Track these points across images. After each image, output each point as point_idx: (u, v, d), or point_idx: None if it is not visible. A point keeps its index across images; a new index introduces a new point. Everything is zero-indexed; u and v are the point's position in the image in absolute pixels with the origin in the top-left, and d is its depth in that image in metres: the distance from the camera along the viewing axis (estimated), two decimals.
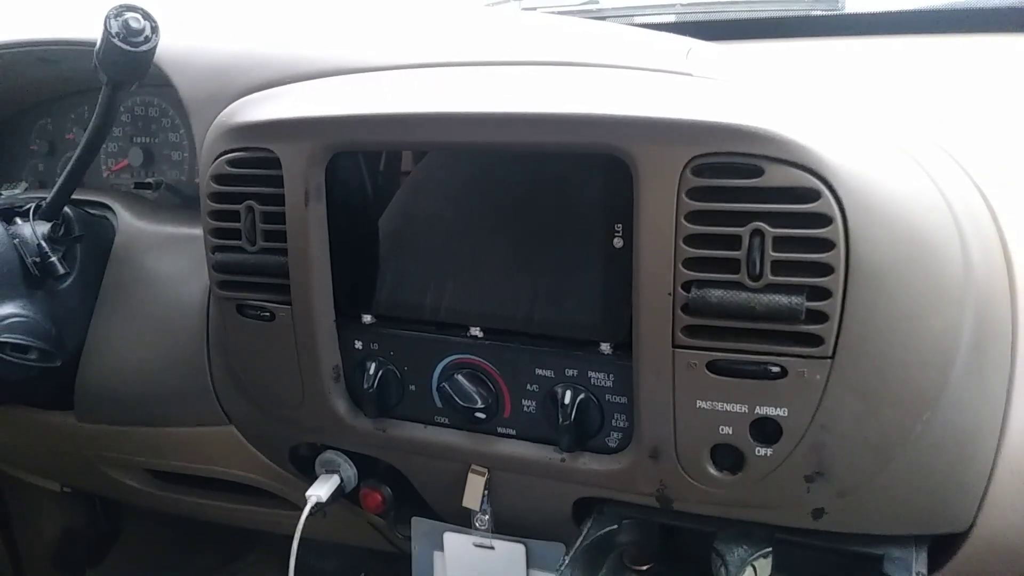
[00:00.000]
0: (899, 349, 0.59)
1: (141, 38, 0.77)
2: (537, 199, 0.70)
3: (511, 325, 0.73)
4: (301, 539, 0.83)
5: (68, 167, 0.88)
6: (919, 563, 0.66)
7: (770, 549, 0.69)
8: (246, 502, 1.06)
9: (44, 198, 0.92)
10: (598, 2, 1.21)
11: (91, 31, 0.90)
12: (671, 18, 1.17)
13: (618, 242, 0.66)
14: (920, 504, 0.65)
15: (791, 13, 1.08)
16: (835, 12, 1.04)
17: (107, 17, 0.77)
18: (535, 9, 1.25)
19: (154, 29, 0.78)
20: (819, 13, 1.06)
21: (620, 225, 0.66)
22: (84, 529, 1.47)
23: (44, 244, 0.90)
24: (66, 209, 0.93)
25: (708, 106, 0.61)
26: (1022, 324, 0.64)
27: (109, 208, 0.99)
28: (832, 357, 0.59)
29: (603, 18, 1.14)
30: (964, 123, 0.70)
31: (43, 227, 0.91)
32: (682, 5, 1.18)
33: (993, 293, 0.63)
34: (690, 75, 0.67)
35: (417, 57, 0.77)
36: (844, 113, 0.63)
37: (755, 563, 0.68)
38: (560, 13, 1.19)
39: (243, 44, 0.86)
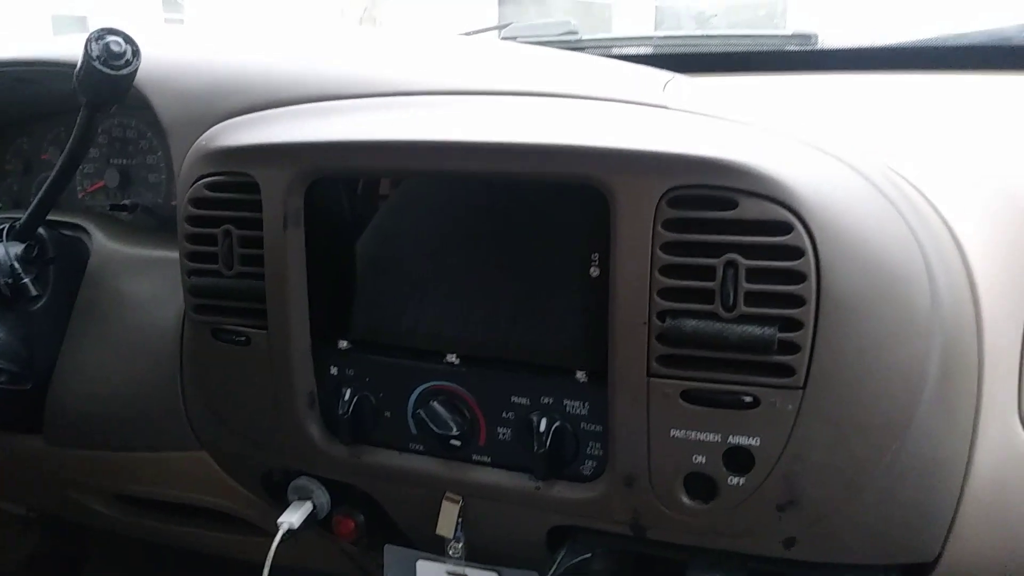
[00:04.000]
0: (868, 380, 0.61)
1: (122, 61, 0.77)
2: (514, 227, 0.71)
3: (487, 352, 0.73)
4: (273, 567, 0.82)
5: (43, 188, 0.88)
6: None
7: None
8: (217, 528, 1.05)
9: (18, 219, 0.91)
10: (576, 33, 1.23)
11: (69, 52, 0.90)
12: (648, 50, 1.19)
13: (594, 271, 0.67)
14: (889, 533, 0.65)
15: (766, 48, 1.10)
16: (809, 48, 1.07)
17: (88, 40, 0.77)
18: (514, 39, 1.26)
19: (135, 53, 0.78)
20: (793, 48, 1.08)
21: (597, 254, 0.67)
22: (50, 554, 1.44)
23: (17, 265, 0.89)
24: (40, 230, 0.92)
25: (684, 139, 0.62)
26: (988, 356, 0.66)
27: (84, 230, 0.98)
28: (803, 387, 0.60)
29: (582, 49, 1.15)
30: (932, 158, 0.72)
31: (16, 248, 0.90)
32: (659, 38, 1.20)
33: (960, 325, 0.65)
34: (667, 108, 0.68)
35: (397, 85, 0.78)
36: (816, 148, 0.65)
37: None
38: (539, 43, 1.21)
39: (223, 69, 0.86)
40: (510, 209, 0.71)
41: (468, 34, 1.37)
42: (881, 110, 0.85)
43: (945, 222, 0.68)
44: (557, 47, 1.18)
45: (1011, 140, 0.75)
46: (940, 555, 0.67)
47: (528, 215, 0.70)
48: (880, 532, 0.65)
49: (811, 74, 0.99)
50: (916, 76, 0.93)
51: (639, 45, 1.21)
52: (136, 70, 0.78)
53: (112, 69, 0.77)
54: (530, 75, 0.77)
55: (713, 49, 1.11)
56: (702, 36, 1.14)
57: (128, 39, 0.78)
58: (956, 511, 0.65)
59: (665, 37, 1.21)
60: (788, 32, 1.11)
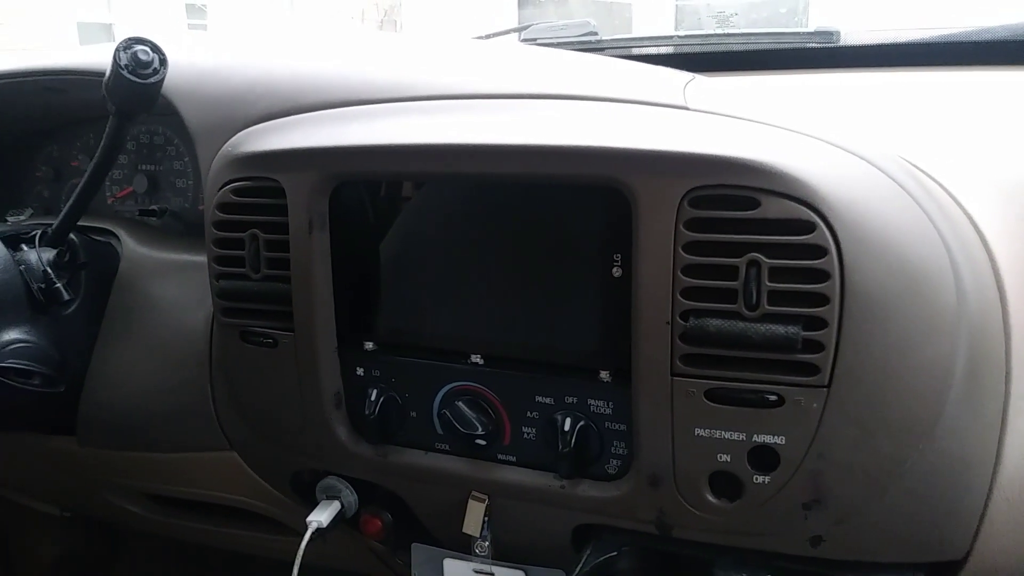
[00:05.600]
0: (894, 378, 0.60)
1: (150, 70, 0.79)
2: (537, 228, 0.71)
3: (511, 352, 0.74)
4: (302, 565, 0.83)
5: (74, 194, 0.89)
6: None
7: None
8: (247, 527, 1.06)
9: (50, 225, 0.93)
10: (597, 34, 1.23)
11: (98, 61, 0.92)
12: (669, 50, 1.18)
13: (617, 271, 0.67)
14: (916, 532, 0.65)
15: (787, 46, 1.10)
16: (831, 45, 1.06)
17: (117, 49, 0.79)
18: (535, 40, 1.26)
19: (163, 62, 0.80)
20: (815, 46, 1.07)
21: (619, 255, 0.67)
22: (82, 553, 1.47)
23: (49, 270, 0.91)
24: (71, 236, 0.94)
25: (705, 139, 0.63)
26: (1016, 352, 0.65)
27: (114, 235, 1.00)
28: (828, 386, 0.60)
29: (602, 50, 1.15)
30: (954, 154, 0.72)
31: (48, 254, 0.92)
32: (679, 37, 1.20)
33: (986, 322, 0.64)
34: (687, 108, 0.68)
35: (420, 90, 0.78)
36: (838, 146, 0.65)
37: None
38: (559, 45, 1.21)
39: (248, 75, 0.87)
40: (532, 210, 0.71)
41: (488, 36, 1.37)
42: (904, 107, 0.85)
43: (970, 218, 0.68)
44: (577, 48, 1.18)
45: None
46: (969, 553, 0.66)
47: (550, 216, 0.70)
48: (907, 531, 0.65)
49: (833, 72, 0.98)
50: (939, 72, 0.92)
51: (659, 45, 1.21)
52: (163, 78, 0.80)
53: (140, 78, 0.79)
54: (550, 78, 0.77)
55: (734, 48, 1.11)
56: (723, 35, 1.13)
57: (156, 48, 0.79)
58: (985, 509, 0.65)
59: (685, 36, 1.21)
60: (810, 29, 1.11)
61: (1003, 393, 0.65)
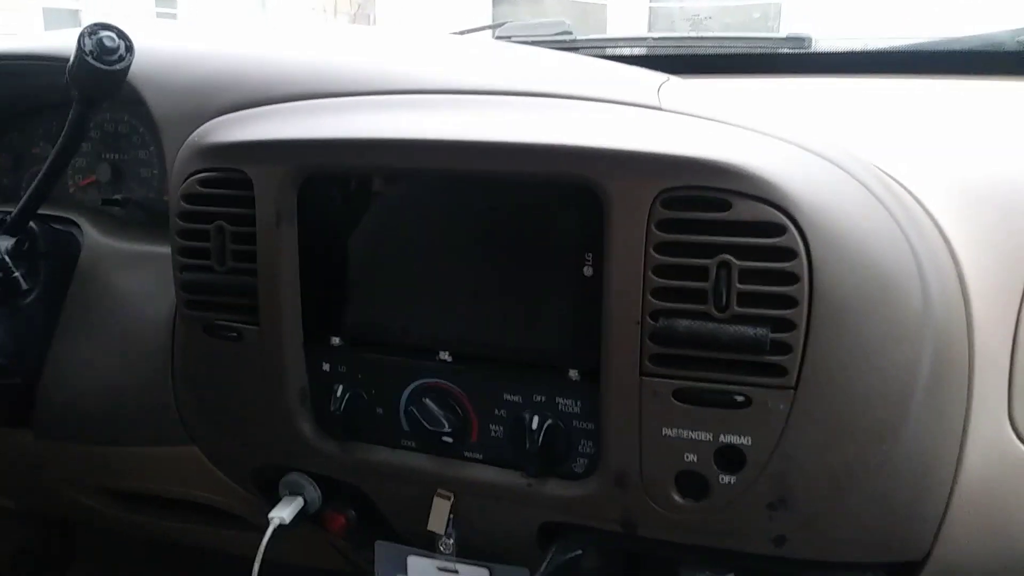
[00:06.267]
0: (860, 381, 0.61)
1: (115, 57, 0.77)
2: (508, 226, 0.71)
3: (480, 350, 0.73)
4: (264, 562, 0.82)
5: (35, 182, 0.87)
6: None
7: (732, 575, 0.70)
8: (208, 523, 1.05)
9: (8, 212, 0.91)
10: (571, 33, 1.23)
11: (62, 46, 0.90)
12: (642, 51, 1.19)
13: (588, 271, 0.67)
14: (878, 532, 0.66)
15: (760, 50, 1.11)
16: (803, 51, 1.07)
17: (81, 35, 0.77)
18: (508, 38, 1.26)
19: (128, 48, 0.78)
20: (787, 51, 1.08)
21: (590, 254, 0.67)
22: (38, 549, 1.43)
23: (7, 259, 0.88)
24: (31, 224, 0.92)
25: (679, 140, 0.63)
26: (978, 357, 0.66)
27: (75, 224, 0.97)
28: (795, 388, 0.61)
29: (576, 49, 1.15)
30: (923, 161, 0.73)
31: (7, 242, 0.90)
32: (653, 39, 1.20)
33: (951, 327, 0.65)
34: (661, 109, 0.68)
35: (391, 84, 0.78)
36: (809, 150, 0.65)
37: None
38: (533, 43, 1.21)
39: (217, 65, 0.86)
40: (504, 208, 0.71)
41: (462, 33, 1.37)
42: (873, 113, 0.86)
43: (936, 224, 0.69)
44: (551, 47, 1.18)
45: (1002, 143, 0.75)
46: (929, 554, 0.67)
47: (522, 214, 0.70)
48: (870, 531, 0.66)
49: (805, 77, 0.99)
50: (909, 80, 0.93)
51: (633, 46, 1.22)
52: (129, 65, 0.78)
53: (105, 64, 0.77)
54: (524, 75, 0.77)
55: (707, 51, 1.12)
56: (696, 38, 1.14)
57: (122, 34, 0.78)
58: (946, 511, 0.66)
59: (659, 38, 1.21)
60: (782, 35, 1.12)
61: (966, 397, 0.66)
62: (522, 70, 0.78)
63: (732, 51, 1.10)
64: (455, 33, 1.35)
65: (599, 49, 1.18)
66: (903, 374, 0.62)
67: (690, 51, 1.13)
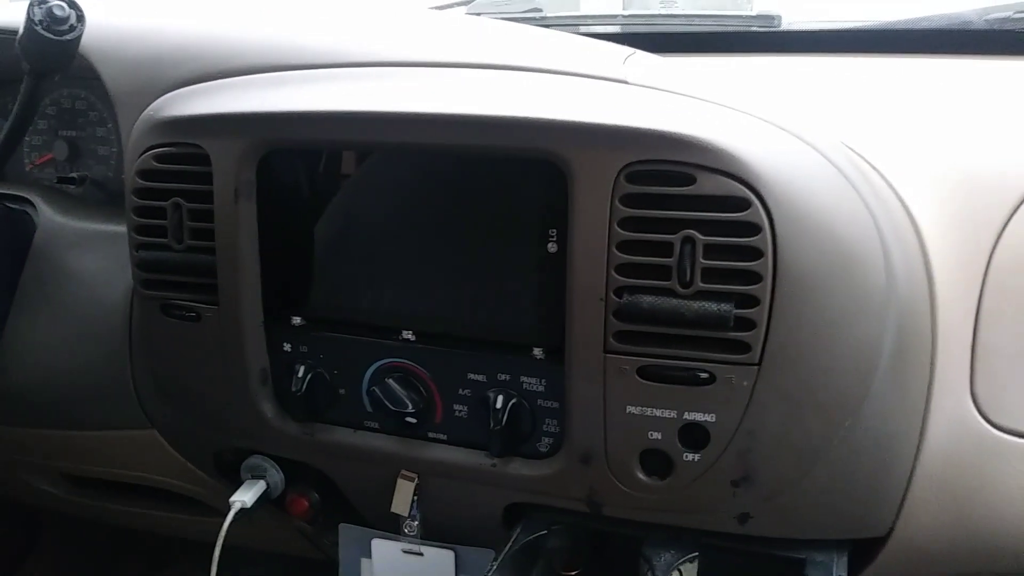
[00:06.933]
0: (823, 357, 0.61)
1: (66, 26, 0.75)
2: (472, 203, 0.69)
3: (444, 329, 0.72)
4: (226, 546, 0.80)
5: None
6: (840, 567, 0.67)
7: (696, 554, 0.70)
8: (169, 508, 1.03)
9: None
10: (542, 10, 1.21)
11: (12, 18, 0.87)
12: (614, 29, 1.18)
13: (552, 247, 0.66)
14: (841, 509, 0.66)
15: (730, 28, 1.10)
16: (772, 29, 1.06)
17: (31, 4, 0.74)
18: (480, 15, 1.24)
19: (79, 17, 0.76)
20: (757, 29, 1.07)
21: (554, 230, 0.66)
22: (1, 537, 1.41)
23: None
24: None
25: (643, 113, 0.62)
26: (941, 334, 0.66)
27: (30, 203, 0.95)
28: (759, 364, 0.60)
29: (547, 26, 1.14)
30: (889, 138, 0.72)
31: None
32: (624, 17, 1.19)
33: (914, 304, 0.65)
34: (627, 82, 0.67)
35: (356, 56, 0.76)
36: (775, 125, 0.64)
37: (681, 567, 0.69)
38: (505, 19, 1.19)
39: (174, 36, 0.83)
40: (467, 184, 0.70)
41: (437, 8, 1.35)
42: (841, 91, 0.85)
43: (901, 201, 0.69)
44: (523, 23, 1.16)
45: (967, 122, 0.75)
46: (892, 530, 0.67)
47: (486, 190, 0.69)
48: (833, 508, 0.66)
49: (774, 55, 0.99)
50: (877, 59, 0.93)
51: (605, 24, 1.20)
52: (80, 35, 0.76)
53: (55, 34, 0.75)
54: (490, 47, 0.75)
55: (678, 29, 1.11)
56: (667, 16, 1.13)
57: (72, 3, 0.76)
58: (908, 487, 0.66)
59: (631, 16, 1.20)
60: (753, 13, 1.11)
61: (928, 372, 0.66)
62: (487, 43, 0.77)
63: (703, 29, 1.09)
64: (433, 8, 1.33)
65: (571, 26, 1.17)
66: (866, 350, 0.61)
67: (661, 29, 1.12)
